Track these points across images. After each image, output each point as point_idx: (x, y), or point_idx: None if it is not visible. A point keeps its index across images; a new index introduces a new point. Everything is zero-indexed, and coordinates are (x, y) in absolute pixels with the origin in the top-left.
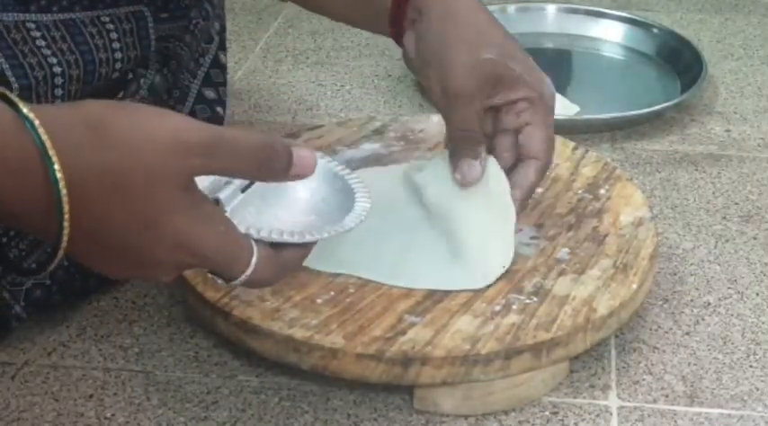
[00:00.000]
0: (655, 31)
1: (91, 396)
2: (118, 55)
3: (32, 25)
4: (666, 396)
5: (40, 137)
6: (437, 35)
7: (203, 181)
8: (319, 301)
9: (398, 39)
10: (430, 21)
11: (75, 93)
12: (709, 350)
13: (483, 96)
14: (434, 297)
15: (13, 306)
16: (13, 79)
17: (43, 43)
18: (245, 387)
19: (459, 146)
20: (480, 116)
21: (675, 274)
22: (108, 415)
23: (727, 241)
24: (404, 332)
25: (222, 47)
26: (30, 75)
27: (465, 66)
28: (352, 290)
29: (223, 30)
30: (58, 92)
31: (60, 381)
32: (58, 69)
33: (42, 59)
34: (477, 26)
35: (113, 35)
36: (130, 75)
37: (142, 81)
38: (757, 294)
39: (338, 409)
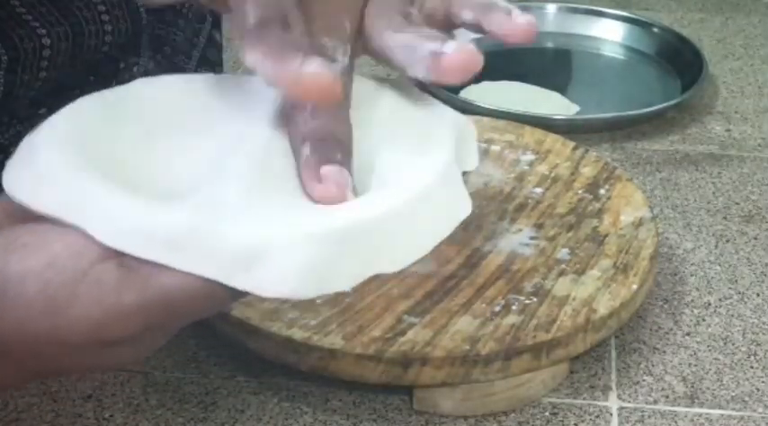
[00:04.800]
0: (655, 30)
1: (89, 397)
2: (108, 27)
3: (17, 2)
4: (667, 397)
5: None
6: None
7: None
8: (318, 301)
9: None
10: None
11: (61, 65)
12: (709, 350)
13: None
14: (434, 298)
15: None
16: (2, 50)
17: (30, 17)
18: (243, 388)
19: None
20: None
21: (676, 274)
22: (106, 416)
23: (727, 241)
24: (403, 333)
25: (216, 25)
26: (19, 47)
27: None
28: (351, 291)
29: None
30: (44, 64)
31: (59, 381)
32: (47, 41)
33: (31, 31)
34: None
35: (101, 8)
36: (122, 65)
37: (135, 69)
38: (758, 294)
39: (337, 410)
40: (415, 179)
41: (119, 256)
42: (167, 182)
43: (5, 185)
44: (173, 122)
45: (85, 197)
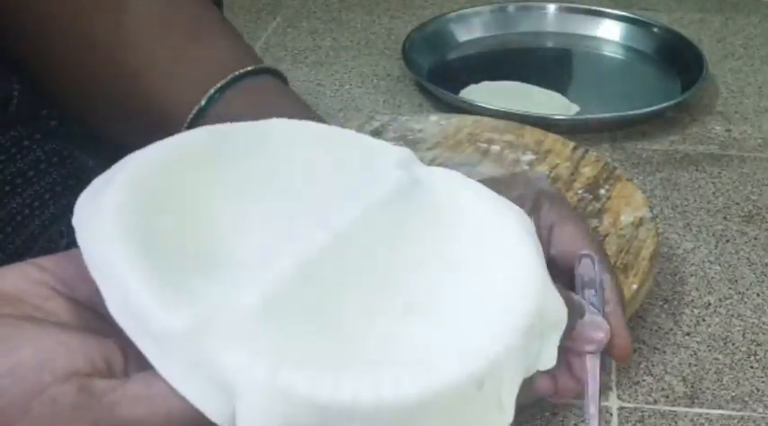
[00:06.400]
0: (655, 30)
1: None
2: None
3: None
4: (667, 397)
5: None
6: None
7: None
8: None
9: None
10: None
11: None
12: (709, 350)
13: None
14: None
15: None
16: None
17: None
18: None
19: None
20: None
21: (676, 274)
22: None
23: (727, 241)
24: None
25: None
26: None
27: None
28: None
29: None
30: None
31: None
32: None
33: None
34: None
35: None
36: None
37: None
38: (758, 294)
39: None
40: (445, 369)
41: (85, 377)
42: (230, 246)
43: (75, 217)
44: (280, 177)
45: (113, 266)
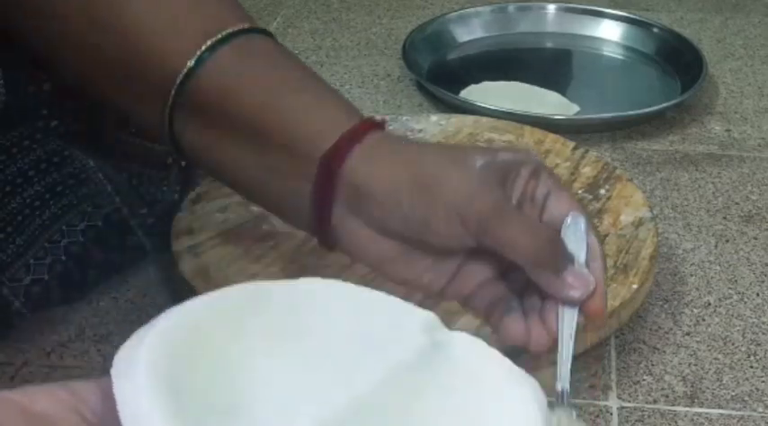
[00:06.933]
0: (655, 30)
1: None
2: None
3: None
4: (667, 397)
5: None
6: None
7: None
8: None
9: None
10: (401, 192)
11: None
12: (709, 350)
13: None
14: (434, 298)
15: (12, 302)
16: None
17: None
18: None
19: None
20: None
21: (676, 274)
22: None
23: (727, 241)
24: None
25: None
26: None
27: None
28: None
29: None
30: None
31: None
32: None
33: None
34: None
35: None
36: None
37: None
38: (758, 294)
39: None
40: None
41: None
42: (253, 405)
43: (113, 370)
44: (308, 337)
45: (143, 422)
